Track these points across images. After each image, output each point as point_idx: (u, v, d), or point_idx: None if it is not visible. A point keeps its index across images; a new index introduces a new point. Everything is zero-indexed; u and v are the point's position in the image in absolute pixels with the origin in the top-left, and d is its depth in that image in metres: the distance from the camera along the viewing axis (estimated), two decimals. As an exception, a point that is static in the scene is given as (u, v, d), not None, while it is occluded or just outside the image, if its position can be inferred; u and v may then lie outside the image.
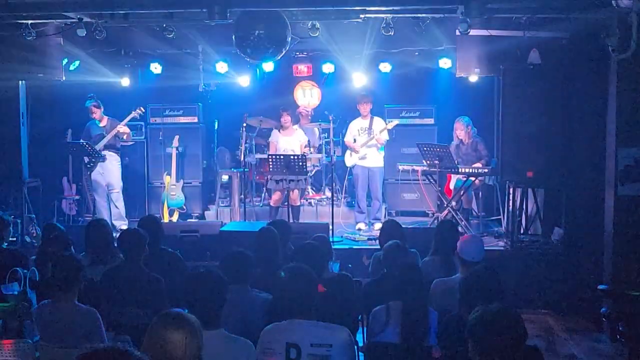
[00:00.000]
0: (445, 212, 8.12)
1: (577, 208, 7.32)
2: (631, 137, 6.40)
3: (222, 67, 9.28)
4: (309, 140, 9.59)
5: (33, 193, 8.81)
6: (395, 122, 9.10)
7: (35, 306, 4.31)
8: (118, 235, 5.31)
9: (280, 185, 8.42)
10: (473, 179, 8.27)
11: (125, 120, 8.93)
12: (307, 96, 10.94)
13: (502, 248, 7.68)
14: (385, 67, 9.32)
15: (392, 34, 7.00)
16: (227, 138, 10.55)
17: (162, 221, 7.71)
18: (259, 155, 9.73)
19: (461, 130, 8.73)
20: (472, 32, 6.87)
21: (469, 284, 3.64)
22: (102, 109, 8.92)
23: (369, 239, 8.13)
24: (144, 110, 9.29)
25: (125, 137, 9.07)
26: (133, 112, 8.99)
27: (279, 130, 9.33)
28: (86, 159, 8.83)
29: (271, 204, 9.01)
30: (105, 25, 7.13)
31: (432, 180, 8.38)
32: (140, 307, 4.40)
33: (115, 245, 5.20)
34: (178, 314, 2.58)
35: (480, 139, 8.77)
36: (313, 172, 9.87)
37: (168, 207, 9.46)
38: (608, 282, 6.36)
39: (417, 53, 8.89)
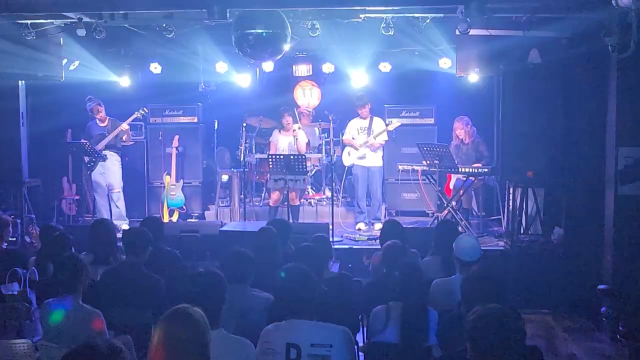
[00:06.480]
0: (445, 212, 8.11)
1: (577, 208, 7.31)
2: (631, 137, 6.40)
3: (222, 67, 9.28)
4: (308, 142, 9.58)
5: (33, 193, 8.81)
6: (397, 123, 9.07)
7: (35, 306, 4.31)
8: (121, 234, 5.31)
9: (280, 185, 8.42)
10: (473, 179, 8.26)
11: (129, 120, 8.96)
12: (307, 96, 10.92)
13: (502, 248, 7.68)
14: (385, 67, 9.32)
15: (392, 34, 7.00)
16: (227, 138, 10.54)
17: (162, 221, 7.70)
18: (258, 155, 9.71)
19: (461, 130, 8.69)
20: (472, 31, 6.87)
21: (468, 284, 3.64)
22: (104, 108, 8.94)
23: (369, 239, 8.13)
24: (147, 111, 9.30)
25: (125, 137, 9.07)
26: (136, 112, 9.01)
27: (279, 131, 9.32)
28: (86, 159, 8.85)
29: (270, 203, 9.01)
30: (105, 25, 7.14)
31: (432, 180, 8.37)
32: (140, 307, 4.40)
33: (118, 245, 5.20)
34: (184, 311, 2.58)
35: (482, 140, 8.71)
36: (313, 172, 9.87)
37: (168, 207, 9.46)
38: (608, 282, 6.36)
39: (417, 53, 8.89)
